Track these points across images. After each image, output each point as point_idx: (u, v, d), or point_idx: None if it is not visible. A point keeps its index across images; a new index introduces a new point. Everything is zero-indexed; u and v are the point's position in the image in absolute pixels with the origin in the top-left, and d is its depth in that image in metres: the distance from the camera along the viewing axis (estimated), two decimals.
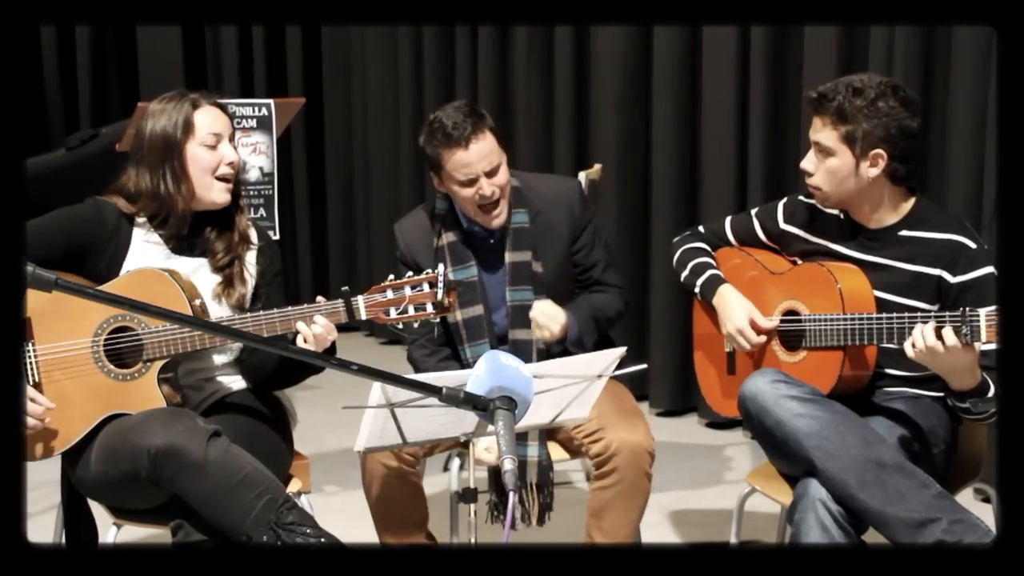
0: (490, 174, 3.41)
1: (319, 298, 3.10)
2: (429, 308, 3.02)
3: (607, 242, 3.77)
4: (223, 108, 3.29)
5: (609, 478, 3.31)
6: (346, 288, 3.08)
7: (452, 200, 3.52)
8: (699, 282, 3.49)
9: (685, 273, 3.54)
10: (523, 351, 3.46)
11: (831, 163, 3.18)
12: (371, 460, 3.30)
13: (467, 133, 3.38)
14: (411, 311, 3.03)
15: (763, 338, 3.34)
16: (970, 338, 2.90)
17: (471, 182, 3.40)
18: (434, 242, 3.50)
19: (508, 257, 3.50)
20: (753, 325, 3.34)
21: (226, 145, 3.23)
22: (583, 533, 3.43)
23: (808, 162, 3.24)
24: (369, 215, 7.20)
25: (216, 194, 3.22)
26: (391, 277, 3.09)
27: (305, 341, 3.05)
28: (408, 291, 3.02)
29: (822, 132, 3.19)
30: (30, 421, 3.03)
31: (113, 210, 3.24)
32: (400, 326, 3.09)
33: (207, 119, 3.22)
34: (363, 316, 3.07)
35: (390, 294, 3.04)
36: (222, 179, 3.22)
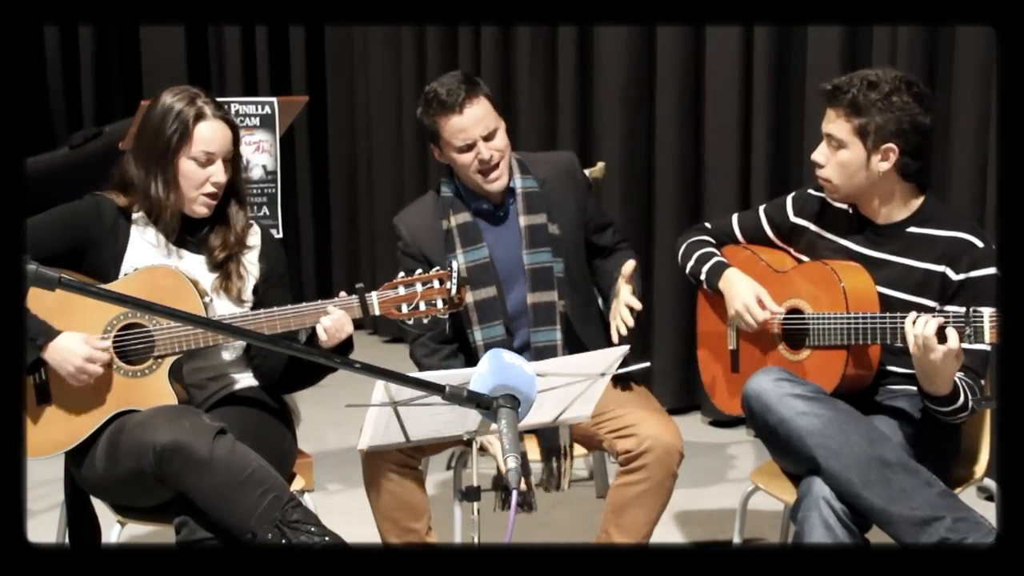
0: (487, 138, 3.42)
1: (342, 293, 3.12)
2: (440, 304, 3.04)
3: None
4: (230, 123, 3.26)
5: (637, 474, 3.29)
6: (360, 285, 3.10)
7: (457, 183, 3.52)
8: (704, 269, 3.48)
9: (690, 263, 3.53)
10: (545, 315, 3.47)
11: (842, 155, 3.18)
12: (373, 459, 3.30)
13: (460, 98, 3.39)
14: (423, 307, 3.05)
15: (768, 314, 3.33)
16: (973, 339, 2.90)
17: (469, 147, 3.41)
18: (442, 226, 3.49)
19: (523, 221, 3.49)
20: (760, 304, 3.33)
21: (217, 165, 3.20)
22: (588, 531, 3.43)
23: (819, 154, 3.24)
24: (372, 213, 7.20)
25: (197, 207, 3.23)
26: (401, 274, 3.10)
27: (326, 332, 3.06)
28: (419, 287, 3.05)
29: (835, 124, 3.18)
30: (91, 368, 3.05)
31: (111, 206, 3.24)
32: (411, 321, 3.09)
33: (206, 134, 3.19)
34: (376, 312, 3.09)
35: (402, 290, 3.06)
36: (205, 195, 3.22)
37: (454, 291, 3.03)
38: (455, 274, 3.04)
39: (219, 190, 3.23)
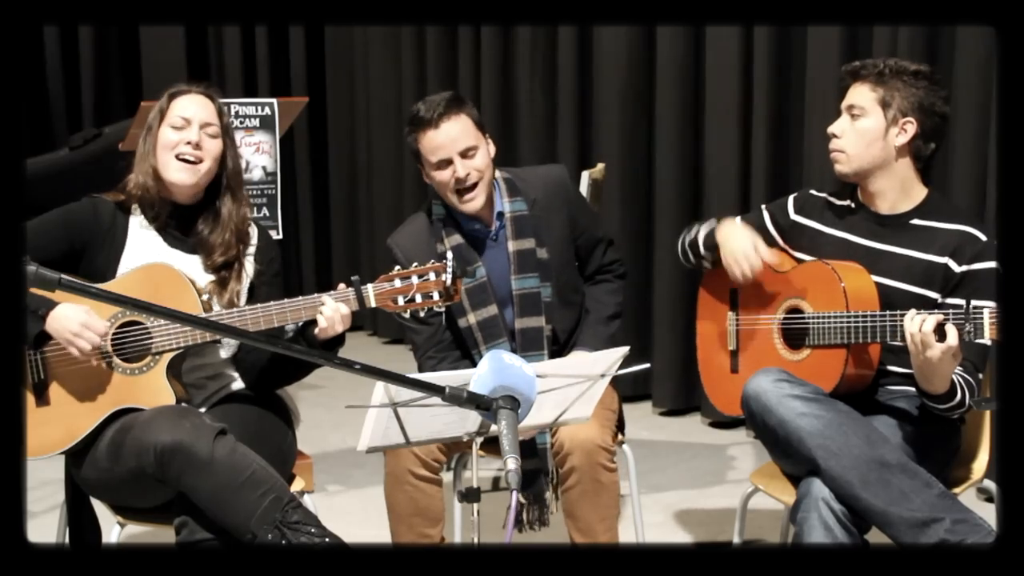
0: (464, 155, 3.38)
1: (341, 285, 3.12)
2: (436, 296, 3.04)
3: (596, 213, 3.78)
4: (211, 97, 3.30)
5: (571, 478, 3.32)
6: (356, 277, 3.10)
7: (446, 204, 3.51)
8: (701, 231, 3.51)
9: (688, 238, 3.55)
10: (533, 339, 3.46)
11: (862, 123, 3.22)
12: (397, 466, 3.30)
13: (437, 114, 3.36)
14: (419, 299, 3.04)
15: (759, 261, 3.33)
16: (973, 335, 2.90)
17: (445, 163, 3.38)
18: (437, 248, 3.48)
19: (511, 246, 3.47)
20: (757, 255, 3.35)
21: (193, 129, 3.23)
22: None
23: (837, 126, 3.28)
24: (372, 214, 7.21)
25: (174, 173, 3.22)
26: (397, 267, 3.10)
27: (327, 320, 3.06)
28: (416, 280, 3.04)
29: (858, 92, 3.24)
30: (87, 334, 3.05)
31: (108, 206, 3.26)
32: (407, 315, 3.09)
33: (182, 104, 3.25)
34: (373, 304, 3.08)
35: (398, 283, 3.06)
36: (182, 159, 3.21)
37: (449, 282, 3.02)
38: (451, 265, 3.03)
39: (196, 150, 3.22)
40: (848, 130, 3.25)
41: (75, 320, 3.04)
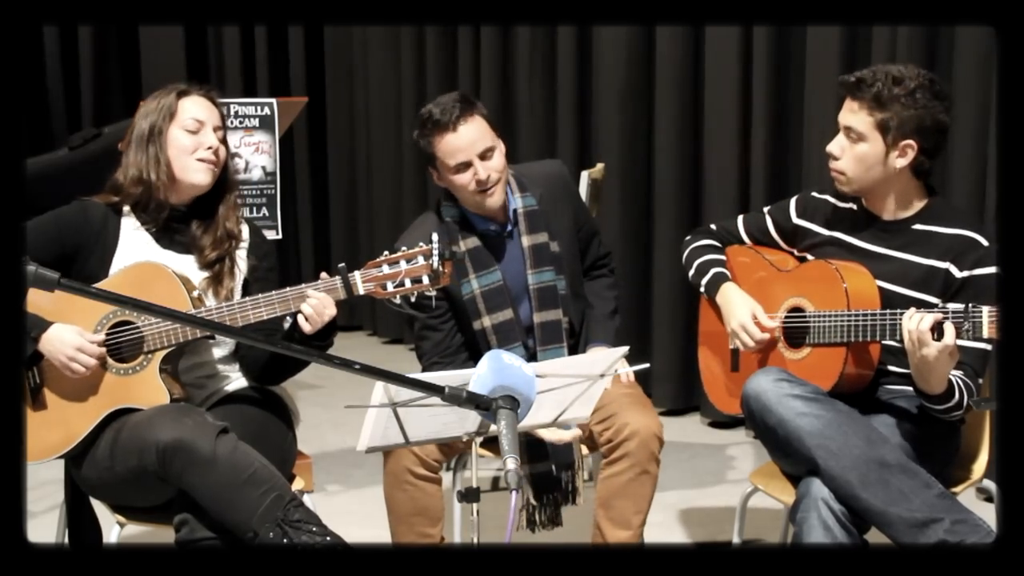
0: (483, 157, 3.37)
1: (323, 274, 3.11)
2: (425, 280, 3.03)
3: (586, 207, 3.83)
4: (214, 100, 3.30)
5: (620, 463, 3.31)
6: (343, 265, 3.09)
7: (461, 207, 3.50)
8: (704, 281, 3.49)
9: (691, 272, 3.54)
10: (552, 333, 3.47)
11: (861, 149, 3.18)
12: (396, 465, 3.30)
13: (455, 117, 3.34)
14: (408, 284, 3.03)
15: (766, 336, 3.34)
16: (971, 334, 2.90)
17: (465, 166, 3.36)
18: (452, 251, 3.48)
19: (526, 241, 3.47)
20: (756, 323, 3.34)
21: (208, 132, 3.23)
22: (588, 531, 3.43)
23: (835, 146, 3.24)
24: (371, 214, 7.21)
25: (196, 175, 3.22)
26: (386, 252, 3.09)
27: (307, 320, 3.06)
28: (404, 264, 3.03)
29: (856, 116, 3.17)
30: (82, 357, 3.05)
31: (99, 208, 3.25)
32: (398, 300, 3.07)
33: (191, 106, 3.25)
34: (360, 291, 3.08)
35: (386, 268, 3.04)
36: (203, 161, 3.22)
37: (436, 264, 3.02)
38: (436, 247, 3.02)
39: (216, 155, 3.23)
40: (847, 151, 3.21)
41: (69, 344, 3.05)
